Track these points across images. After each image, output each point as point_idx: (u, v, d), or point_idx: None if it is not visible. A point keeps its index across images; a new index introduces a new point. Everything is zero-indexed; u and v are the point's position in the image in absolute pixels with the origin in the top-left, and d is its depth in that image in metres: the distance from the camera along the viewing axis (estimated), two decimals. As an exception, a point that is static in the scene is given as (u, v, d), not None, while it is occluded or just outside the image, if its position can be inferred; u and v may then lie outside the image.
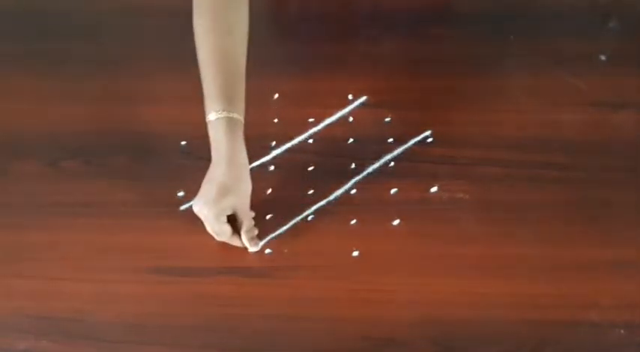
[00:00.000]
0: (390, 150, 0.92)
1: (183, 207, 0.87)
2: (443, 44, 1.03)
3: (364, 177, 0.89)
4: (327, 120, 0.96)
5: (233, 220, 0.83)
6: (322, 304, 0.80)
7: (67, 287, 0.82)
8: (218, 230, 0.82)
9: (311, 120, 0.95)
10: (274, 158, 0.92)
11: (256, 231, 0.84)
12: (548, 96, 0.97)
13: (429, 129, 0.93)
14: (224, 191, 0.80)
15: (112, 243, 0.85)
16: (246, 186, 0.82)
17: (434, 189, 0.88)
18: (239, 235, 0.83)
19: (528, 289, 0.79)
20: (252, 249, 0.83)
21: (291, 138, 0.94)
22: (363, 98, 0.98)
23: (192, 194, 0.86)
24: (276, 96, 0.98)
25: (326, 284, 0.81)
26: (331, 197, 0.88)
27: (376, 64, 1.02)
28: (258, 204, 0.86)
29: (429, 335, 0.77)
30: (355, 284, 0.81)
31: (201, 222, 0.82)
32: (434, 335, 0.77)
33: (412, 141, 0.93)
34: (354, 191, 0.88)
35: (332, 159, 0.91)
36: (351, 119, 0.96)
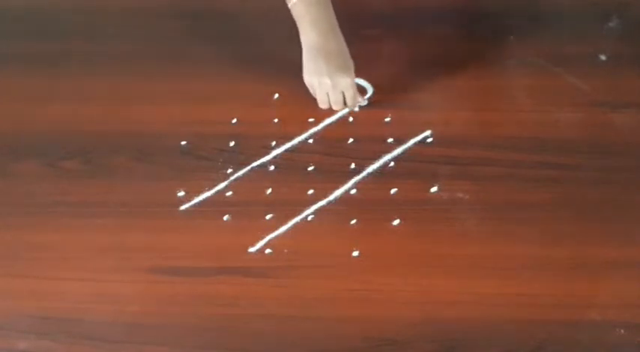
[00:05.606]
0: (390, 150, 0.92)
1: (183, 207, 0.87)
2: (443, 44, 1.03)
3: (364, 177, 0.89)
4: (327, 120, 0.96)
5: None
6: (322, 304, 0.79)
7: (67, 287, 0.82)
8: (336, 99, 0.95)
9: (311, 120, 0.95)
10: (274, 158, 0.92)
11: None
12: (548, 96, 0.97)
13: (429, 129, 0.93)
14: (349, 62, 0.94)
15: (112, 243, 0.85)
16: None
17: (434, 189, 0.88)
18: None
19: (528, 289, 0.79)
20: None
21: (291, 138, 0.94)
22: (363, 98, 0.98)
23: (192, 194, 0.86)
24: (276, 96, 0.98)
25: (326, 284, 0.81)
26: (331, 197, 0.87)
27: (376, 63, 1.02)
28: (258, 204, 0.86)
29: (429, 335, 0.77)
30: (355, 284, 0.81)
31: (201, 222, 0.82)
32: (434, 335, 0.77)
33: (412, 141, 0.93)
34: (354, 191, 0.88)
35: (332, 159, 0.91)
36: (351, 119, 0.96)
